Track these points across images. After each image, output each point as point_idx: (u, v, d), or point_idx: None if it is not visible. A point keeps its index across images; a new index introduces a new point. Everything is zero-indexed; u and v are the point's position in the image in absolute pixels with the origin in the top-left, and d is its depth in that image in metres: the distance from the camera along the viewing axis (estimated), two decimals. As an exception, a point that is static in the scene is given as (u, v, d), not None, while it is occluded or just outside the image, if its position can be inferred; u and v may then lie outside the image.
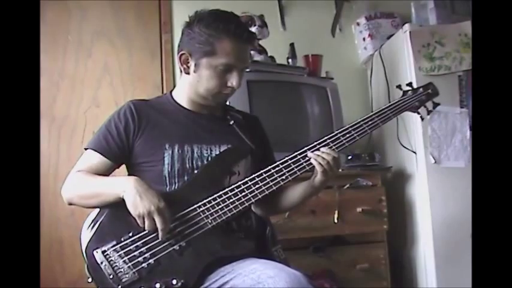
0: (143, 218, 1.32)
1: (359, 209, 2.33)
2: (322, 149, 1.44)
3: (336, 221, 2.29)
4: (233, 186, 1.41)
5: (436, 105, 1.66)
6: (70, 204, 1.48)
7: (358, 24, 2.95)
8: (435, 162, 2.40)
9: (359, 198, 2.35)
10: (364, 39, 2.90)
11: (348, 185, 2.34)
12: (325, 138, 1.47)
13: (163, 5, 2.85)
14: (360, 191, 2.37)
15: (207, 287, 1.35)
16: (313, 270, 2.20)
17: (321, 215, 2.28)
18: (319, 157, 1.43)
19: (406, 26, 2.50)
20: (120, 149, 1.49)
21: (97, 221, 1.37)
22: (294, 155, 1.45)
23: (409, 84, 1.67)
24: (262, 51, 2.47)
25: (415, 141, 2.47)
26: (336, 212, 2.29)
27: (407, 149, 2.52)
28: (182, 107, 1.57)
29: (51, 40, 2.71)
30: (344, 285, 2.25)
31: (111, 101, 2.71)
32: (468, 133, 2.42)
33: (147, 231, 1.34)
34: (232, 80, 1.48)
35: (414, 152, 2.48)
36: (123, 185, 1.37)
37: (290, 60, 2.61)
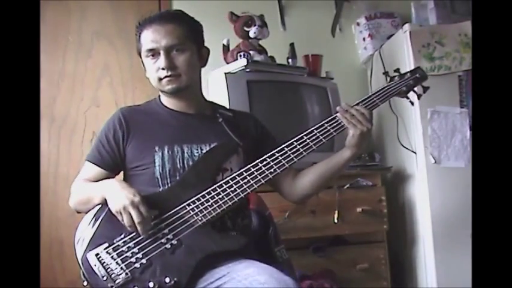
0: (121, 214, 1.34)
1: (359, 209, 2.33)
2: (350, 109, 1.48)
3: (336, 221, 2.29)
4: (221, 182, 1.42)
5: (426, 89, 1.62)
6: (78, 212, 1.53)
7: (358, 24, 2.95)
8: (435, 162, 2.40)
9: (359, 198, 2.35)
10: (364, 39, 2.90)
11: (348, 185, 2.34)
12: (312, 129, 1.47)
13: (163, 5, 2.84)
14: (360, 191, 2.37)
15: None
16: (313, 270, 2.20)
17: (321, 215, 2.28)
18: (346, 113, 1.46)
19: (406, 26, 2.50)
20: (112, 157, 1.54)
21: (92, 226, 1.39)
22: (280, 147, 1.45)
23: (397, 70, 1.65)
24: (262, 51, 2.47)
25: (415, 141, 2.47)
26: (336, 212, 2.29)
27: (407, 149, 2.52)
28: (169, 108, 1.59)
29: (51, 40, 2.71)
30: (344, 285, 2.25)
31: (111, 101, 2.72)
32: (468, 133, 2.42)
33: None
34: (160, 63, 1.51)
35: (414, 152, 2.48)
36: (105, 186, 1.43)
37: (290, 60, 2.60)
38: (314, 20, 2.97)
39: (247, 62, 2.30)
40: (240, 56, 2.33)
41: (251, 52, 2.38)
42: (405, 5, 2.84)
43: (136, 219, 1.33)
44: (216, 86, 2.35)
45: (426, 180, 2.40)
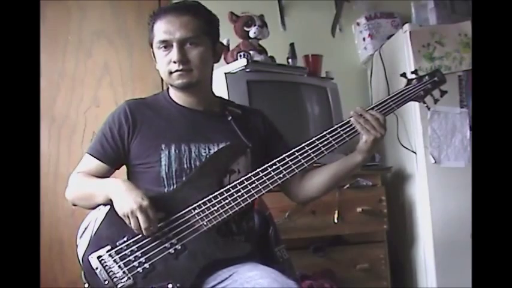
0: (128, 217, 1.32)
1: (359, 209, 2.32)
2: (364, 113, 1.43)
3: (336, 221, 2.29)
4: (229, 187, 1.39)
5: (443, 93, 1.57)
6: (74, 205, 1.51)
7: (358, 24, 2.95)
8: (435, 162, 2.40)
9: (359, 198, 2.35)
10: (364, 39, 2.90)
11: (348, 185, 2.33)
12: (324, 133, 1.44)
13: (163, 5, 2.85)
14: (360, 191, 2.37)
15: None
16: (313, 270, 2.20)
17: (321, 215, 2.28)
18: (360, 117, 1.42)
19: (406, 26, 2.50)
20: (115, 152, 1.49)
21: (93, 227, 1.37)
22: (291, 152, 1.42)
23: (415, 71, 1.58)
24: (262, 51, 2.47)
25: (415, 141, 2.47)
26: (336, 212, 2.29)
27: (407, 149, 2.52)
28: (177, 104, 1.54)
29: (51, 40, 2.72)
30: (344, 285, 2.25)
31: (111, 101, 2.72)
32: (468, 133, 2.42)
33: (142, 235, 1.34)
34: (172, 56, 1.45)
35: (414, 152, 2.48)
36: (110, 186, 1.38)
37: (290, 60, 2.61)
38: (314, 20, 2.97)
39: (247, 62, 2.30)
40: (240, 56, 2.33)
41: (251, 52, 2.38)
42: (405, 5, 2.84)
43: (143, 224, 1.31)
44: (216, 85, 2.33)
45: (426, 180, 2.40)
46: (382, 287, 2.35)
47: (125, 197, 1.33)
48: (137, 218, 1.31)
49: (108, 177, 1.49)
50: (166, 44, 1.45)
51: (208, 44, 1.50)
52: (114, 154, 1.49)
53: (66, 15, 2.77)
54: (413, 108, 2.43)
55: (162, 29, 1.46)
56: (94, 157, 1.49)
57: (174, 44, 1.44)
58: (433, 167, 2.40)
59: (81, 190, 1.47)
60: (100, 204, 1.40)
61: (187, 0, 1.51)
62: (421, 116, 2.41)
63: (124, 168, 1.56)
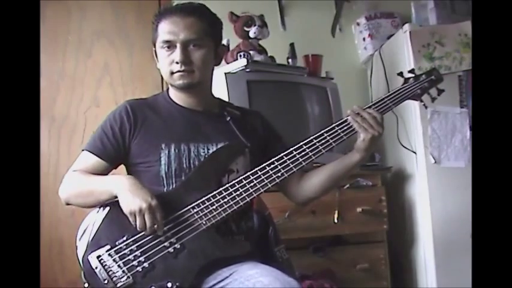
0: (135, 216, 1.32)
1: (359, 209, 2.32)
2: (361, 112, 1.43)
3: (336, 221, 2.29)
4: (227, 186, 1.39)
5: (440, 91, 1.57)
6: (68, 204, 1.49)
7: (358, 24, 2.95)
8: (435, 162, 2.40)
9: (359, 198, 2.35)
10: (364, 39, 2.90)
11: (348, 185, 2.34)
12: (322, 132, 1.45)
13: (163, 5, 2.85)
14: (360, 191, 2.37)
15: None
16: (313, 270, 2.20)
17: (321, 215, 2.28)
18: (358, 116, 1.43)
19: (406, 26, 2.50)
20: (115, 150, 1.49)
21: (91, 229, 1.37)
22: (289, 151, 1.43)
23: (411, 70, 1.59)
24: (262, 51, 2.47)
25: (415, 141, 2.47)
26: (336, 212, 2.29)
27: (407, 149, 2.52)
28: (177, 104, 1.55)
29: (51, 40, 2.72)
30: (344, 285, 2.25)
31: (111, 101, 2.72)
32: (468, 133, 2.42)
33: (141, 234, 1.34)
34: (175, 56, 1.47)
35: (414, 152, 2.48)
36: (116, 183, 1.37)
37: (290, 60, 2.60)
38: (314, 20, 2.97)
39: (247, 62, 2.30)
40: (240, 56, 2.33)
41: (251, 52, 2.38)
42: (405, 5, 2.84)
43: (150, 224, 1.31)
44: (216, 85, 2.34)
45: (426, 180, 2.40)
46: (382, 287, 2.35)
47: (134, 194, 1.33)
48: (144, 216, 1.31)
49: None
50: (170, 45, 1.47)
51: (211, 46, 1.52)
52: (114, 152, 1.49)
53: (66, 15, 2.77)
54: (413, 108, 2.43)
55: (167, 29, 1.47)
56: (93, 154, 1.49)
57: (178, 45, 1.46)
58: (433, 167, 2.40)
59: (80, 187, 1.46)
60: (101, 201, 1.40)
61: (192, 2, 1.52)
62: (421, 116, 2.41)
63: (121, 167, 1.55)
